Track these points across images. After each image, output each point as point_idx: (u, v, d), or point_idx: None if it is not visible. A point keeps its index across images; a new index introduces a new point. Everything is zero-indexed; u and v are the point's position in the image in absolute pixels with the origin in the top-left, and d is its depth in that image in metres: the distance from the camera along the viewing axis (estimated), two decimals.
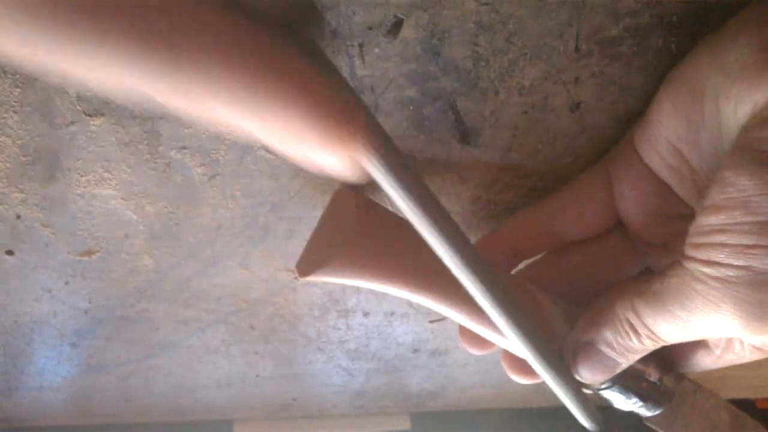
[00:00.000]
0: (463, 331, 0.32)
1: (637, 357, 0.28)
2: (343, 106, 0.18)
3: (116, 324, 0.42)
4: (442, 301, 0.29)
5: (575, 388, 0.29)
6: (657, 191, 0.29)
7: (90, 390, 0.49)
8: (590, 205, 0.32)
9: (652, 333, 0.26)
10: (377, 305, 0.44)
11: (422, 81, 0.28)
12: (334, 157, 0.19)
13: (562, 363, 0.29)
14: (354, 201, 0.29)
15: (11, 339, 0.43)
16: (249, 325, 0.44)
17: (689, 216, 0.29)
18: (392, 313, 0.45)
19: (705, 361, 0.31)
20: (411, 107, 0.29)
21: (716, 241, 0.23)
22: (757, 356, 0.29)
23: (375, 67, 0.28)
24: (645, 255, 0.32)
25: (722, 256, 0.23)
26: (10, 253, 0.36)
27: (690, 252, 0.24)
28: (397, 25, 0.26)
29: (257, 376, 0.50)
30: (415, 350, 0.50)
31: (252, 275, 0.39)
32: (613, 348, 0.28)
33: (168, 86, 0.15)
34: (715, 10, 0.27)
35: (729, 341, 0.29)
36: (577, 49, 0.28)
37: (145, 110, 0.29)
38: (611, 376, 0.29)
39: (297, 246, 0.37)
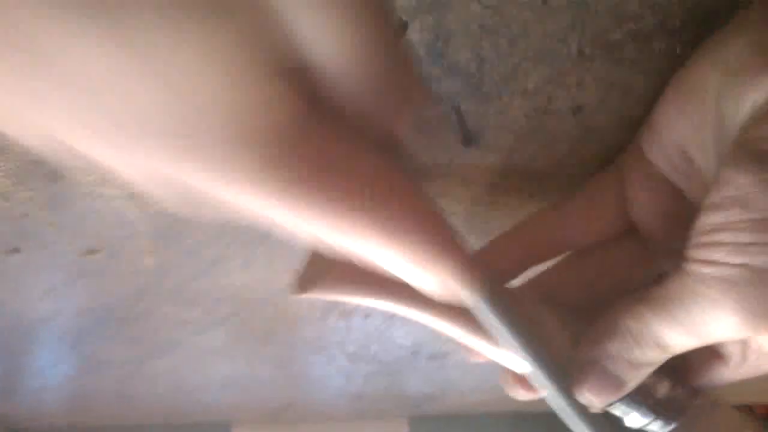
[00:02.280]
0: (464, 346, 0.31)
1: (645, 373, 0.27)
2: (454, 237, 0.19)
3: (117, 324, 0.42)
4: (441, 316, 0.29)
5: (581, 407, 0.28)
6: (669, 195, 0.29)
7: (90, 390, 0.49)
8: (602, 211, 0.31)
9: (658, 342, 0.26)
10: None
11: (426, 83, 0.29)
12: (436, 282, 0.20)
13: (565, 382, 0.28)
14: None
15: (13, 338, 0.43)
16: (249, 326, 0.44)
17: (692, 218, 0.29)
18: (392, 316, 0.46)
19: (722, 374, 0.30)
20: (414, 110, 0.30)
21: (715, 240, 0.23)
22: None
23: None
24: (662, 260, 0.32)
25: (720, 254, 0.23)
26: (16, 250, 0.36)
27: (690, 253, 0.24)
28: (401, 28, 0.27)
29: (257, 377, 0.50)
30: (415, 353, 0.51)
31: (253, 276, 0.40)
32: (618, 363, 0.27)
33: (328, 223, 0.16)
34: (717, 14, 0.27)
35: (744, 351, 0.29)
36: (580, 53, 0.28)
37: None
38: (617, 397, 0.28)
39: (298, 248, 0.37)
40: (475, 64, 0.28)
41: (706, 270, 0.23)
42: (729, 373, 0.30)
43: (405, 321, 0.46)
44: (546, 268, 0.33)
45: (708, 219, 0.24)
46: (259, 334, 0.45)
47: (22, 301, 0.40)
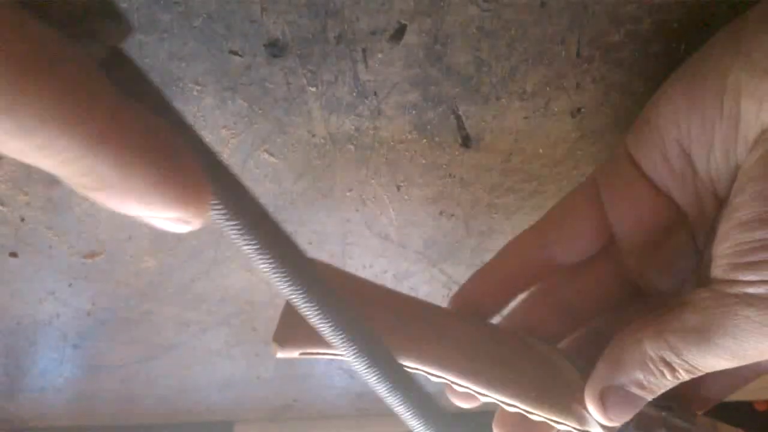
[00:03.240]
0: (451, 390, 0.30)
1: (664, 390, 0.26)
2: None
3: (119, 325, 0.42)
4: (430, 364, 0.28)
5: None
6: (650, 197, 0.28)
7: (92, 391, 0.49)
8: (581, 224, 0.30)
9: (694, 367, 0.24)
10: None
11: (425, 86, 0.29)
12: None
13: (569, 409, 0.27)
14: (328, 274, 0.27)
15: (14, 340, 0.43)
16: (251, 326, 0.44)
17: (681, 224, 0.27)
18: None
19: (728, 384, 0.29)
20: (413, 111, 0.30)
21: (761, 258, 0.21)
22: None
23: (378, 72, 0.28)
24: (634, 274, 0.30)
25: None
26: (14, 255, 0.36)
27: (730, 274, 0.23)
28: (400, 31, 0.27)
29: (258, 377, 0.51)
30: None
31: (254, 277, 0.40)
32: (644, 388, 0.26)
33: None
34: (715, 16, 0.27)
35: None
36: (578, 55, 0.28)
37: None
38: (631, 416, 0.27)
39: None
40: (473, 67, 0.28)
41: (756, 291, 0.22)
42: (740, 383, 0.29)
43: None
44: (523, 297, 0.32)
45: (751, 235, 0.22)
46: (260, 335, 0.45)
47: (22, 304, 0.40)
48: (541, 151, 0.32)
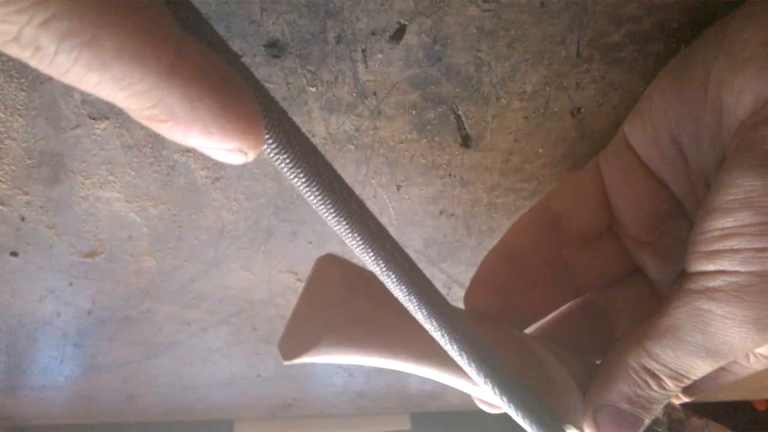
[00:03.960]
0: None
1: (660, 406, 0.26)
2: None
3: (119, 324, 0.42)
4: (439, 369, 0.28)
5: None
6: (648, 185, 0.28)
7: (92, 389, 0.49)
8: (586, 200, 0.30)
9: (676, 372, 0.24)
10: None
11: (424, 86, 0.29)
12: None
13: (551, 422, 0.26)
14: (337, 272, 0.26)
15: (15, 339, 0.43)
16: (251, 325, 0.44)
17: (679, 213, 0.28)
18: None
19: (713, 378, 0.29)
20: (413, 111, 0.30)
21: (725, 247, 0.21)
22: (764, 365, 0.28)
23: (378, 72, 0.28)
24: (634, 256, 0.30)
25: (729, 263, 0.21)
26: (14, 254, 0.36)
27: (695, 265, 0.22)
28: (400, 31, 0.27)
29: (258, 376, 0.51)
30: None
31: (254, 277, 0.40)
32: (634, 403, 0.25)
33: None
34: (714, 16, 0.27)
35: (749, 355, 0.28)
36: (578, 55, 0.28)
37: None
38: None
39: (299, 248, 0.37)
40: (473, 67, 0.28)
41: (715, 283, 0.22)
42: (719, 378, 0.29)
43: None
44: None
45: (714, 224, 0.22)
46: (260, 334, 0.45)
47: (23, 303, 0.40)
48: (540, 150, 0.32)
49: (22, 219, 0.34)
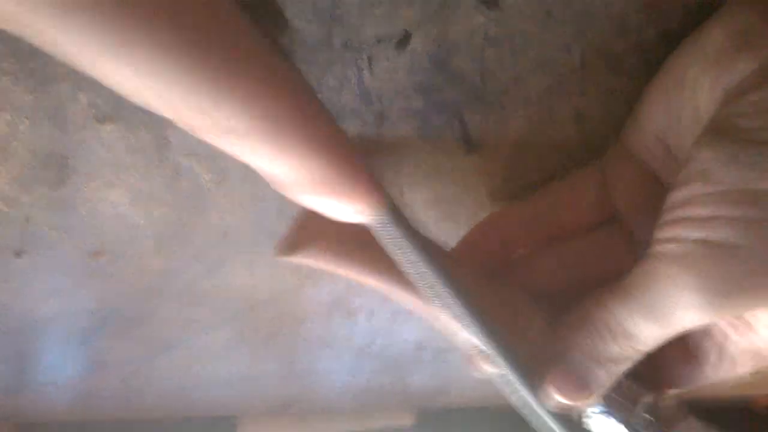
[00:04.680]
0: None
1: (618, 369, 0.26)
2: (348, 148, 0.18)
3: (123, 324, 0.43)
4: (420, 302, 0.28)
5: (549, 410, 0.26)
6: (645, 183, 0.29)
7: (96, 388, 0.50)
8: (585, 196, 0.31)
9: (625, 333, 0.24)
10: (382, 305, 0.45)
11: (429, 92, 0.29)
12: (341, 206, 0.19)
13: (529, 373, 0.26)
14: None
15: (18, 338, 0.43)
16: (254, 325, 0.45)
17: None
18: (397, 312, 0.46)
19: (697, 375, 0.29)
20: (418, 118, 0.30)
21: (675, 217, 0.22)
22: (753, 366, 0.28)
23: (383, 79, 0.28)
24: (635, 251, 0.31)
25: (680, 230, 0.22)
26: (19, 254, 0.36)
27: (656, 233, 0.23)
28: (405, 38, 0.27)
29: (262, 374, 0.51)
30: (420, 348, 0.51)
31: (257, 278, 0.40)
32: (589, 356, 0.25)
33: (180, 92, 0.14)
34: None
35: (721, 351, 0.28)
36: (582, 63, 0.28)
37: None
38: (589, 395, 0.26)
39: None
40: (478, 74, 0.28)
41: (667, 248, 0.22)
42: (705, 374, 0.29)
43: (410, 317, 0.46)
44: (526, 252, 0.32)
45: (671, 197, 0.23)
46: (264, 333, 0.46)
47: (27, 303, 0.40)
48: (543, 157, 0.32)
49: (27, 220, 0.34)
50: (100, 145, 0.31)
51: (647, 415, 0.28)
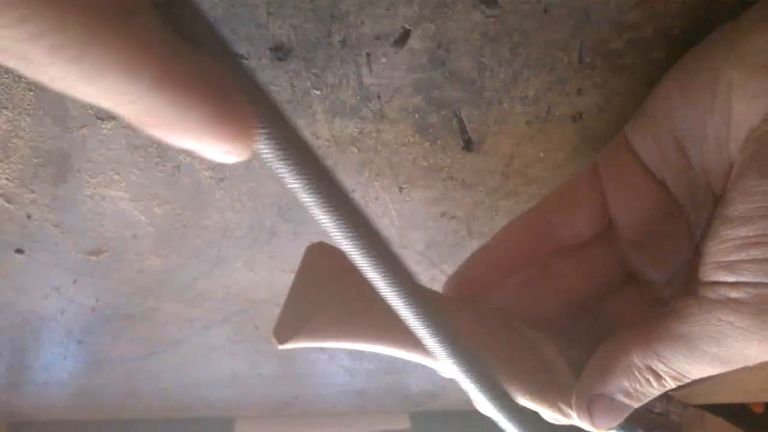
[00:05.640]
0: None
1: (651, 398, 0.26)
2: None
3: (122, 322, 0.43)
4: (423, 355, 0.28)
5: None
6: (647, 186, 0.28)
7: (95, 386, 0.50)
8: (581, 205, 0.30)
9: (682, 375, 0.24)
10: None
11: (428, 90, 0.29)
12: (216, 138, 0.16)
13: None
14: (327, 260, 0.27)
15: (19, 335, 0.43)
16: (253, 324, 0.45)
17: (677, 215, 0.28)
18: None
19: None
20: (416, 115, 0.30)
21: (747, 257, 0.20)
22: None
23: (382, 76, 0.28)
24: (629, 260, 0.30)
25: (755, 274, 0.20)
26: (19, 251, 0.36)
27: (714, 275, 0.22)
28: (404, 36, 0.27)
29: (260, 374, 0.51)
30: None
31: (257, 276, 0.40)
32: (631, 397, 0.26)
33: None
34: (717, 24, 0.27)
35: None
36: (580, 61, 0.28)
37: None
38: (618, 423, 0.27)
39: (301, 248, 0.37)
40: (476, 72, 0.28)
41: (737, 294, 0.21)
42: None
43: None
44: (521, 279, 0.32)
45: (735, 232, 0.21)
46: (262, 333, 0.46)
47: (27, 300, 0.40)
48: (542, 155, 0.32)
49: (29, 217, 0.34)
50: (100, 143, 0.31)
51: (658, 419, 0.28)
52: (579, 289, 0.31)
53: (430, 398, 0.59)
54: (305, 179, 0.18)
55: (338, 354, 0.50)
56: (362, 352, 0.50)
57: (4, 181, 0.32)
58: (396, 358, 0.51)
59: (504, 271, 0.30)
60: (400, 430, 0.67)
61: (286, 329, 0.26)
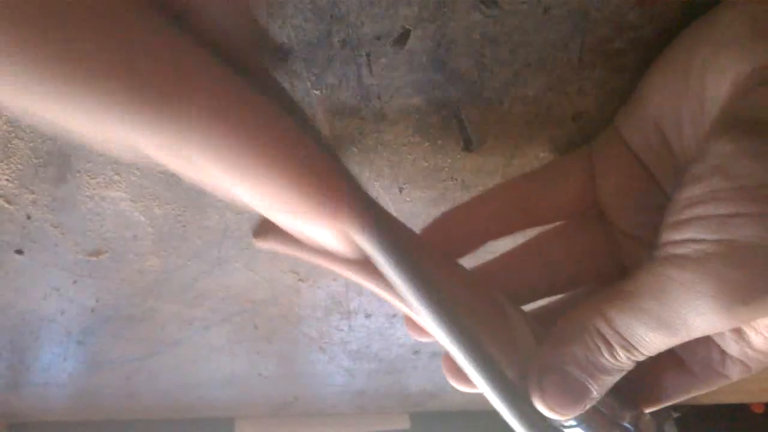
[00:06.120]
0: (409, 321, 0.29)
1: (611, 380, 0.24)
2: (328, 174, 0.17)
3: (122, 322, 0.43)
4: (368, 278, 0.26)
5: (535, 419, 0.25)
6: (635, 174, 0.28)
7: (95, 386, 0.50)
8: (568, 183, 0.29)
9: (628, 342, 0.23)
10: (379, 307, 0.45)
11: (428, 90, 0.29)
12: (325, 231, 0.18)
13: (520, 390, 0.25)
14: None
15: (18, 336, 0.43)
16: (253, 325, 0.45)
17: (662, 202, 0.27)
18: (394, 315, 0.46)
19: (682, 385, 0.27)
20: (416, 115, 0.30)
21: (690, 216, 0.20)
22: (741, 373, 0.27)
23: (382, 76, 0.28)
24: (618, 245, 0.29)
25: (697, 230, 0.20)
26: (19, 252, 0.36)
27: (665, 235, 0.21)
28: (404, 36, 0.27)
29: (260, 375, 0.51)
30: (416, 351, 0.51)
31: (257, 276, 0.40)
32: (582, 368, 0.24)
33: (159, 143, 0.14)
34: None
35: (707, 357, 0.26)
36: (580, 61, 0.28)
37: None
38: (581, 410, 0.24)
39: None
40: (476, 72, 0.28)
41: (682, 251, 0.20)
42: (691, 383, 0.27)
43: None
44: (508, 248, 0.32)
45: (684, 193, 0.21)
46: (262, 333, 0.46)
47: (27, 301, 0.40)
48: (542, 155, 0.32)
49: (28, 217, 0.34)
50: None
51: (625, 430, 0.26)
52: (566, 268, 0.30)
53: (430, 398, 0.59)
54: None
55: (338, 354, 0.50)
56: (362, 352, 0.50)
57: (4, 182, 0.32)
58: (396, 359, 0.51)
59: (479, 232, 0.30)
60: (400, 430, 0.67)
61: (263, 229, 0.27)
